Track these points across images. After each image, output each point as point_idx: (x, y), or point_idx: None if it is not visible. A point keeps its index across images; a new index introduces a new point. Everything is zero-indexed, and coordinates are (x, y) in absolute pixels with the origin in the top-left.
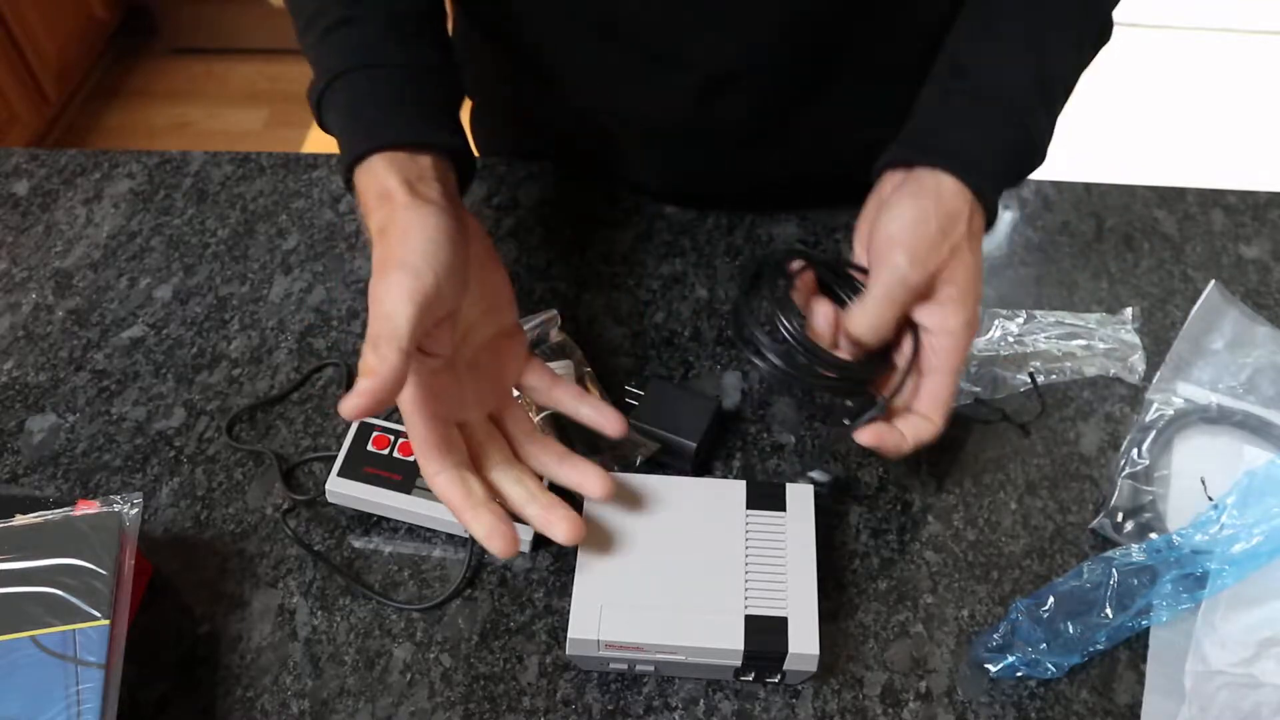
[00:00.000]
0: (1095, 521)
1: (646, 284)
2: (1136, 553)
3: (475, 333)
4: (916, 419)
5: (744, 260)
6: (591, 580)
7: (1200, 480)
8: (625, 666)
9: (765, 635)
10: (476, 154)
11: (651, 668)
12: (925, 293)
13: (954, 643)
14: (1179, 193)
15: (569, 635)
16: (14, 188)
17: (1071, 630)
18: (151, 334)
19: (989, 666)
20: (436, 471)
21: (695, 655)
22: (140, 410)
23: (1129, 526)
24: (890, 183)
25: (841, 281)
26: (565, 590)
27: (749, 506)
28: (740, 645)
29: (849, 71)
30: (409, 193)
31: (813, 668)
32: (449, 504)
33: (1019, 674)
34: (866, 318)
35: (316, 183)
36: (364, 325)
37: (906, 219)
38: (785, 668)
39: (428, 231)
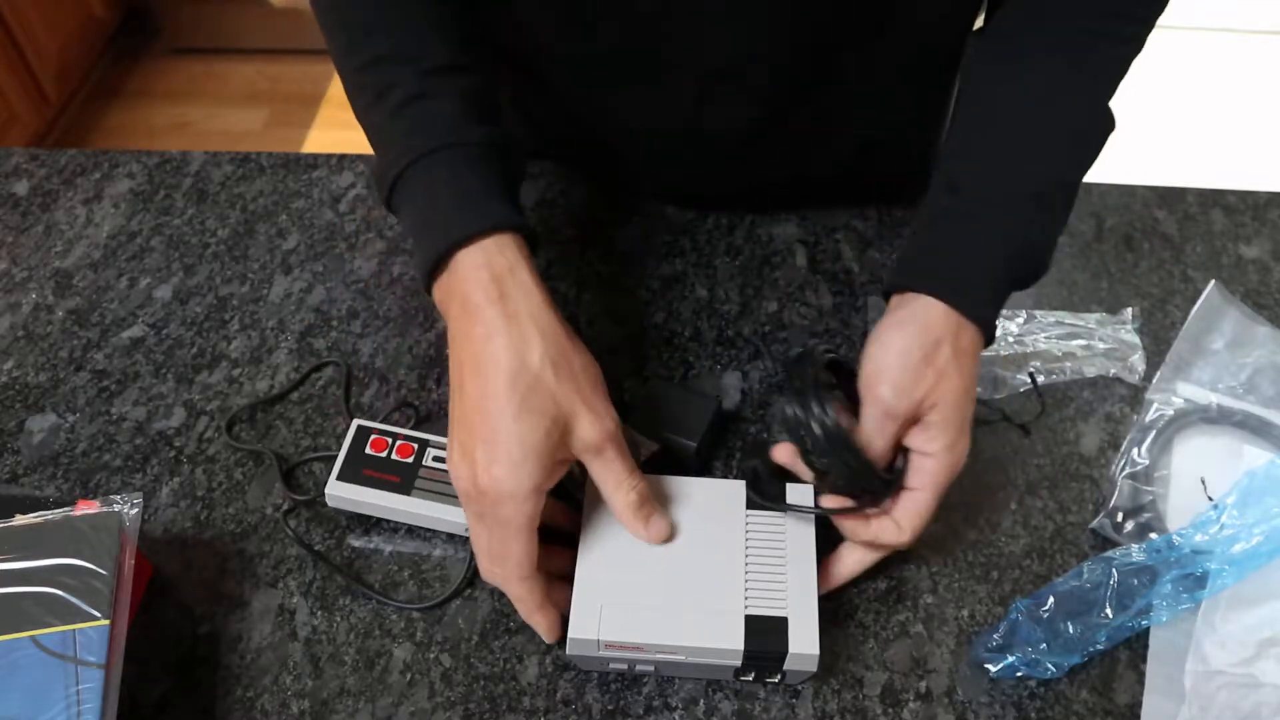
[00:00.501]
0: (1095, 521)
1: (646, 284)
2: (1136, 553)
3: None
4: (887, 521)
5: (786, 355)
6: (591, 580)
7: (1200, 480)
8: (625, 666)
9: (765, 635)
10: None
11: (651, 668)
12: (914, 417)
13: (954, 643)
14: (1179, 193)
15: (569, 635)
16: (14, 188)
17: (1071, 630)
18: (151, 334)
19: (989, 666)
20: (527, 576)
21: (695, 655)
22: (140, 410)
23: (1129, 526)
24: (891, 307)
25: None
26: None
27: (749, 507)
28: (740, 645)
29: (848, 71)
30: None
31: (813, 668)
32: (526, 603)
33: (1019, 674)
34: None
35: (316, 183)
36: (364, 325)
37: (891, 351)
38: (785, 668)
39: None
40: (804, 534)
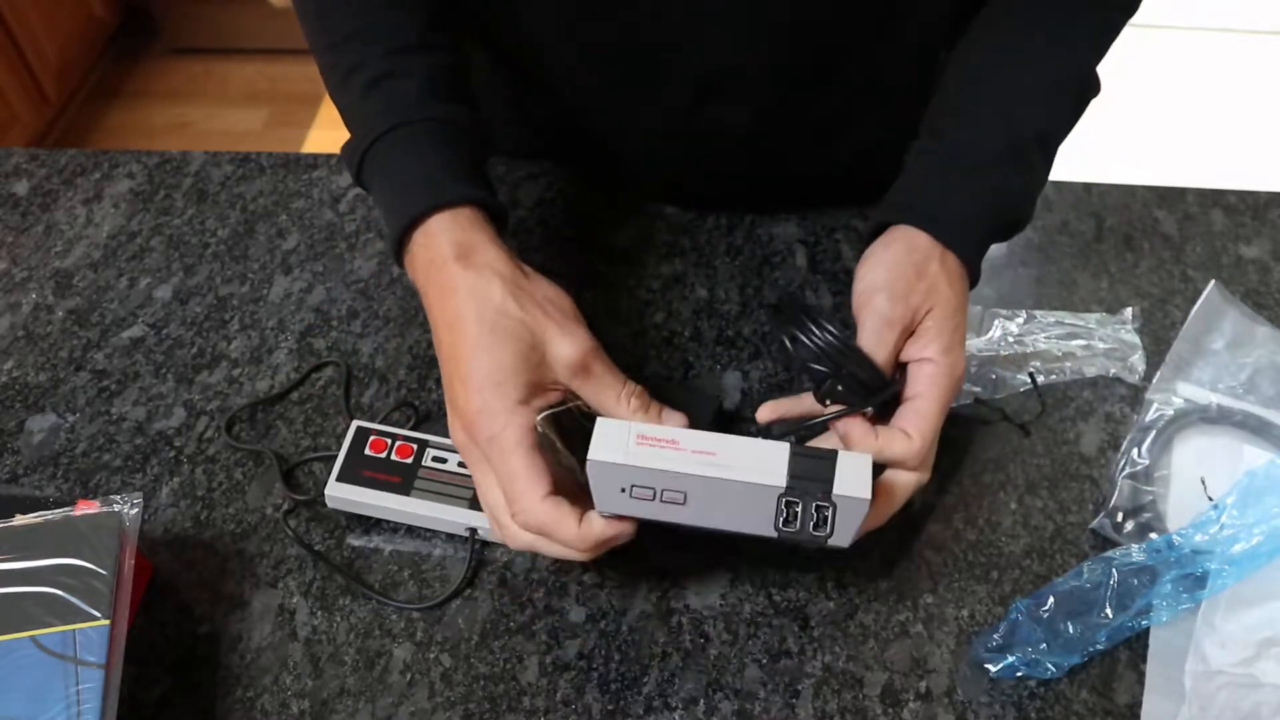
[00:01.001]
0: (1095, 521)
1: (646, 284)
2: (1136, 553)
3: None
4: (895, 431)
5: (778, 294)
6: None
7: (1200, 480)
8: (649, 496)
9: (812, 463)
10: None
11: (680, 498)
12: (910, 328)
13: (954, 643)
14: (1179, 193)
15: (590, 456)
16: (14, 188)
17: (1071, 630)
18: (151, 334)
19: (989, 666)
20: (546, 493)
21: (732, 493)
22: (140, 410)
23: (1129, 526)
24: (876, 241)
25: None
26: (565, 590)
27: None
28: (784, 471)
29: (847, 72)
30: (479, 273)
31: (864, 512)
32: (563, 524)
33: (1019, 674)
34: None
35: (316, 183)
36: (364, 325)
37: (881, 265)
38: (834, 497)
39: (509, 346)
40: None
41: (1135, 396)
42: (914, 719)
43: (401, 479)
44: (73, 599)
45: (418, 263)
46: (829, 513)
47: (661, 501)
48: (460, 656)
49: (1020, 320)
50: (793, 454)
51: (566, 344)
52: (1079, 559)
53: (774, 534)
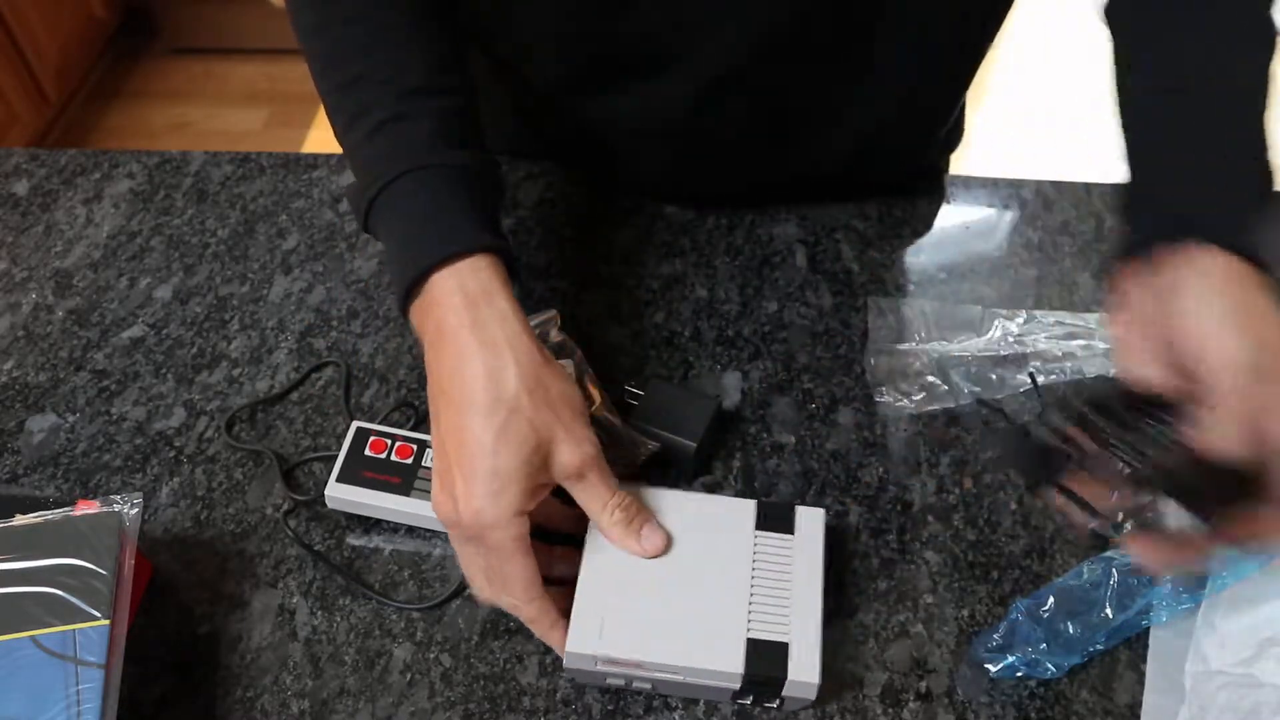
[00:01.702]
0: (1095, 522)
1: (646, 284)
2: None
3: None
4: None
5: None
6: (593, 593)
7: None
8: (622, 683)
9: (765, 660)
10: None
11: (648, 685)
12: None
13: (954, 643)
14: None
15: (567, 648)
16: (14, 188)
17: (1071, 630)
18: (151, 334)
19: (989, 666)
20: (535, 596)
21: (693, 676)
22: (140, 410)
23: (1129, 526)
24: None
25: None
26: None
27: (758, 527)
28: (740, 669)
29: (846, 73)
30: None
31: (811, 696)
32: (540, 623)
33: (1019, 674)
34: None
35: (316, 183)
36: (364, 325)
37: (1229, 317)
38: (784, 693)
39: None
40: (812, 558)
41: None
42: (914, 719)
43: (401, 479)
44: (73, 599)
45: (428, 316)
46: (777, 702)
47: (628, 684)
48: (460, 656)
49: (1020, 320)
50: (747, 657)
51: (571, 452)
52: (1079, 559)
53: (731, 702)
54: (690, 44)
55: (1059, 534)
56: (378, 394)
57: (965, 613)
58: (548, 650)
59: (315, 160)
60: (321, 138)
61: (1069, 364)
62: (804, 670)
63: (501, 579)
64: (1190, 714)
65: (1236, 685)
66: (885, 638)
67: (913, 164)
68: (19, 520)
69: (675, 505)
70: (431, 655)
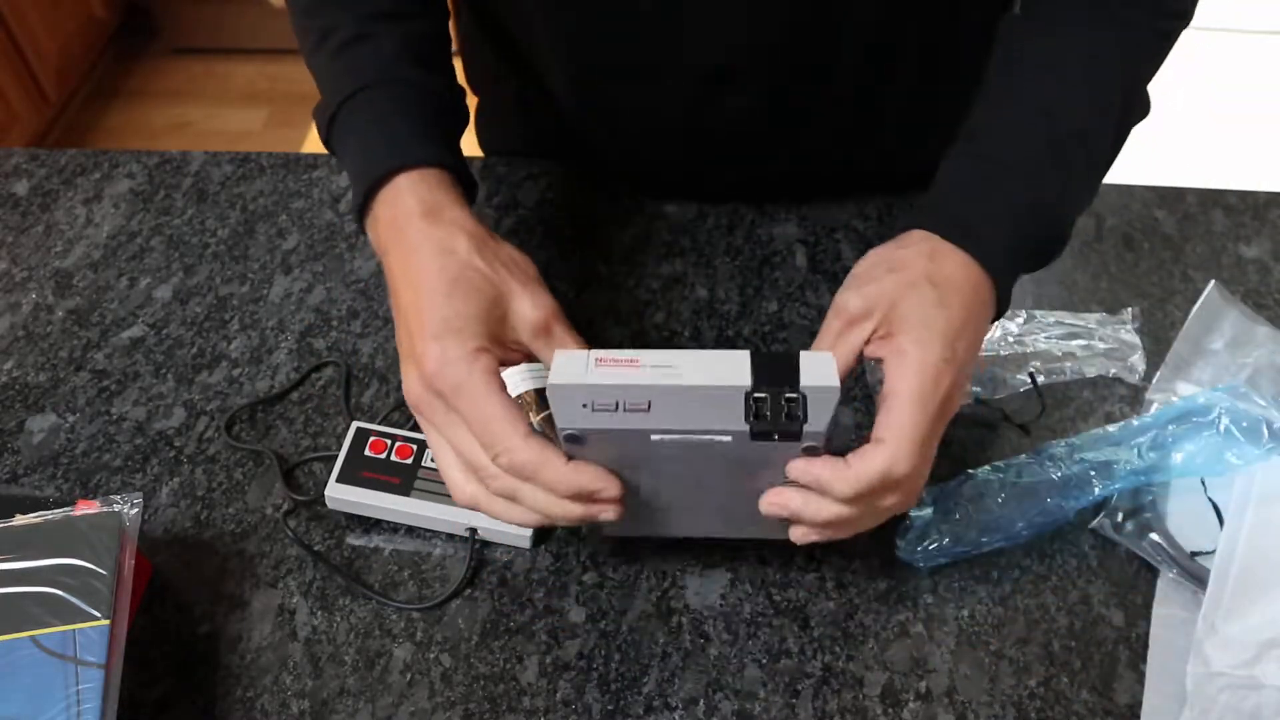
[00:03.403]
0: (1095, 521)
1: (646, 284)
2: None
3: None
4: (865, 447)
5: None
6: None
7: (1200, 480)
8: (611, 407)
9: (775, 362)
10: (478, 153)
11: (644, 405)
12: (868, 322)
13: (954, 643)
14: (1179, 193)
15: (553, 371)
16: (14, 188)
17: (993, 512)
18: (151, 334)
19: (920, 563)
20: (526, 433)
21: (700, 386)
22: (140, 410)
23: (1129, 526)
24: None
25: None
26: (565, 590)
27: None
28: (748, 366)
29: (849, 67)
30: (444, 230)
31: (835, 395)
32: (550, 465)
33: (943, 559)
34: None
35: (316, 183)
36: (364, 325)
37: (861, 265)
38: (801, 385)
39: (474, 296)
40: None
41: (1135, 396)
42: (914, 719)
43: (401, 480)
44: (73, 599)
45: (380, 222)
46: (799, 404)
47: (625, 411)
48: (460, 656)
49: (1020, 320)
50: (754, 358)
51: (529, 304)
52: (1079, 559)
53: (745, 428)
54: (694, 36)
55: (1059, 534)
56: (378, 394)
57: (965, 613)
58: (548, 650)
59: (315, 160)
60: None
61: (1069, 364)
62: (820, 366)
63: (483, 428)
64: (1192, 716)
65: (1238, 687)
66: (885, 638)
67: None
68: (19, 520)
69: (659, 357)
70: (431, 655)
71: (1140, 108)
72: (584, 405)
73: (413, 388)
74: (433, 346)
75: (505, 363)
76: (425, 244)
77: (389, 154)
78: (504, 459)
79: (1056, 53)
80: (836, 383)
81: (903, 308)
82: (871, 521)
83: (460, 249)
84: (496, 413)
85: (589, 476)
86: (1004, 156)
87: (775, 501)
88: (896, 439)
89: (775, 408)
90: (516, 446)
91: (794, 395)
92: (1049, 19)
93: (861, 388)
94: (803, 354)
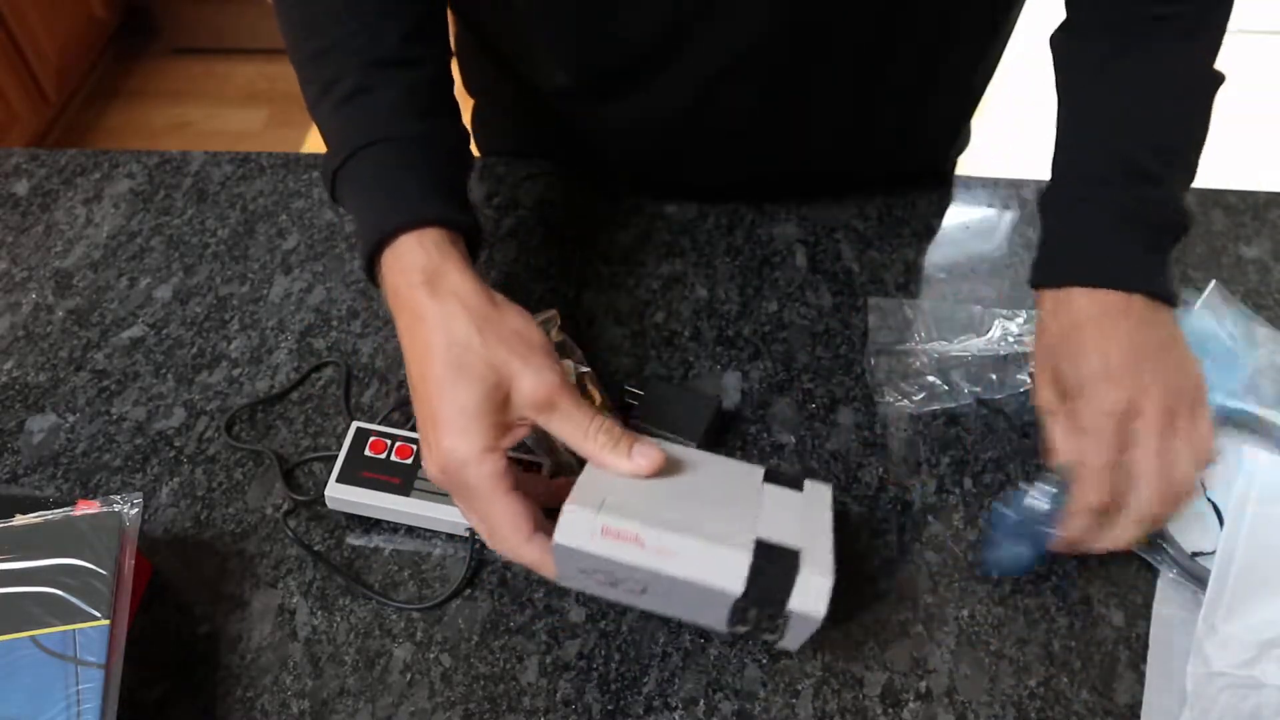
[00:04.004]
0: None
1: (646, 284)
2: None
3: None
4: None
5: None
6: (593, 481)
7: (1199, 480)
8: (605, 580)
9: (773, 567)
10: (477, 154)
11: (639, 589)
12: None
13: (954, 643)
14: None
15: (562, 522)
16: (14, 188)
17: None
18: (151, 334)
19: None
20: (528, 537)
21: (698, 564)
22: (140, 410)
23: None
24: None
25: None
26: (565, 590)
27: (766, 480)
28: (744, 571)
29: (847, 68)
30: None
31: (817, 624)
32: (545, 567)
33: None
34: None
35: (316, 183)
36: (364, 325)
37: (1064, 364)
38: (790, 608)
39: (474, 386)
40: (821, 500)
41: None
42: (914, 719)
43: (401, 480)
44: (73, 599)
45: (387, 284)
46: (781, 622)
47: (619, 589)
48: (460, 656)
49: (1020, 320)
50: (754, 558)
51: (530, 381)
52: (1079, 559)
53: (725, 631)
54: (689, 41)
55: None
56: (378, 394)
57: (965, 613)
58: (548, 650)
59: (315, 160)
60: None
61: None
62: (810, 597)
63: (491, 523)
64: (1192, 716)
65: (1238, 687)
66: (885, 638)
67: (915, 161)
68: (19, 520)
69: (683, 453)
70: (431, 655)
71: (1216, 81)
72: (582, 572)
73: (430, 468)
74: (444, 442)
75: (514, 443)
76: (427, 318)
77: (391, 213)
78: (504, 556)
79: (1126, 68)
80: (823, 611)
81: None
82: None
83: (460, 330)
84: (502, 519)
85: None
86: (1094, 188)
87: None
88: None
89: (757, 624)
90: (515, 550)
91: (779, 616)
92: (1100, 31)
93: (862, 387)
94: (803, 560)
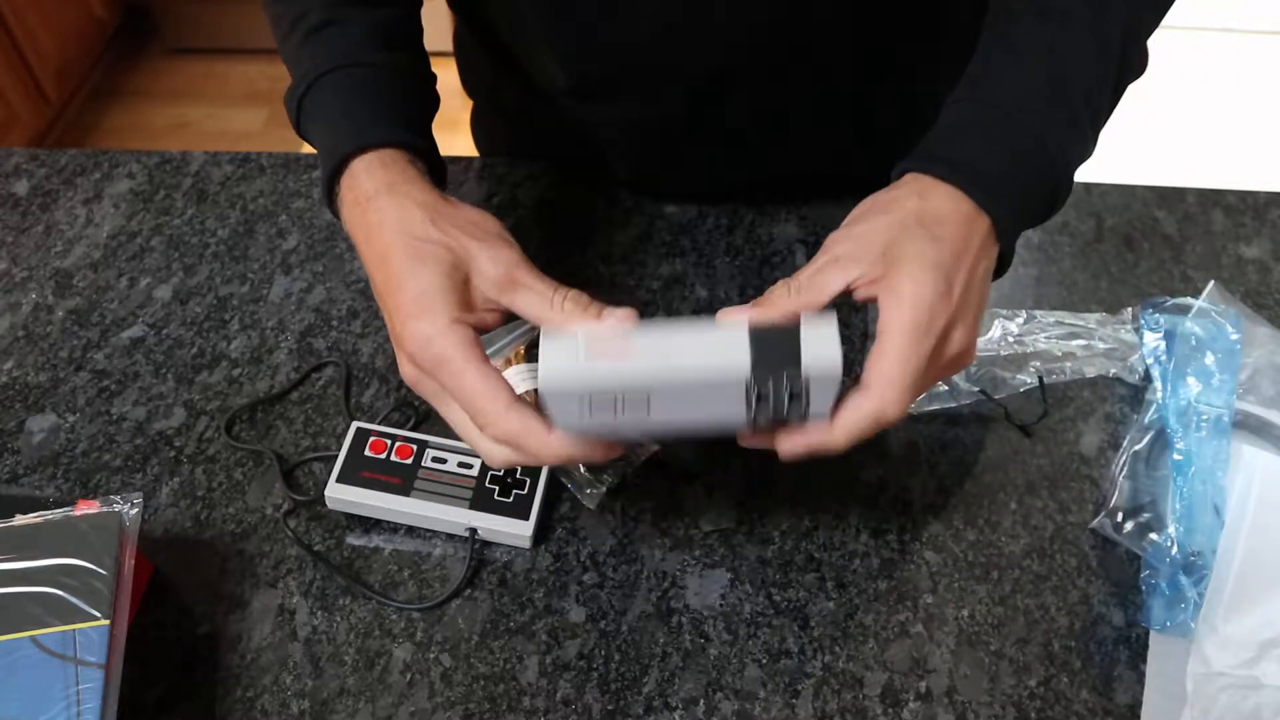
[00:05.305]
0: (1095, 521)
1: (646, 284)
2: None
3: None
4: (850, 400)
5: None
6: (563, 331)
7: (1200, 480)
8: (605, 410)
9: (776, 339)
10: (477, 154)
11: (644, 405)
12: (876, 274)
13: (954, 643)
14: (1179, 193)
15: (541, 368)
16: (14, 188)
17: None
18: (151, 334)
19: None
20: (508, 404)
21: (699, 377)
22: (140, 410)
23: (1129, 526)
24: None
25: None
26: (565, 590)
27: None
28: (746, 342)
29: (846, 68)
30: (401, 205)
31: (837, 373)
32: (534, 434)
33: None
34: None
35: (316, 183)
36: (364, 325)
37: (854, 211)
38: (805, 367)
39: (436, 268)
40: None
41: (1135, 396)
42: (914, 719)
43: (401, 480)
44: (73, 599)
45: (345, 205)
46: (802, 391)
47: (624, 413)
48: (460, 656)
49: (1020, 320)
50: (752, 336)
51: (488, 259)
52: (1079, 559)
53: (746, 424)
54: (690, 42)
55: (1059, 534)
56: (378, 394)
57: (965, 613)
58: (548, 650)
59: (315, 160)
60: None
61: (1069, 364)
62: (822, 341)
63: (465, 401)
64: (1192, 716)
65: (1238, 687)
66: (885, 638)
67: None
68: (19, 520)
69: (653, 342)
70: (431, 655)
71: (1140, 62)
72: (580, 408)
73: (405, 369)
74: (409, 325)
75: (483, 327)
76: (383, 221)
77: (351, 135)
78: (489, 431)
79: (1051, 17)
80: (839, 363)
81: (894, 247)
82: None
83: (415, 220)
84: (477, 386)
85: (572, 448)
86: (1001, 98)
87: (789, 454)
88: (883, 385)
89: (777, 399)
90: (496, 420)
91: (798, 385)
92: None
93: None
94: (804, 325)
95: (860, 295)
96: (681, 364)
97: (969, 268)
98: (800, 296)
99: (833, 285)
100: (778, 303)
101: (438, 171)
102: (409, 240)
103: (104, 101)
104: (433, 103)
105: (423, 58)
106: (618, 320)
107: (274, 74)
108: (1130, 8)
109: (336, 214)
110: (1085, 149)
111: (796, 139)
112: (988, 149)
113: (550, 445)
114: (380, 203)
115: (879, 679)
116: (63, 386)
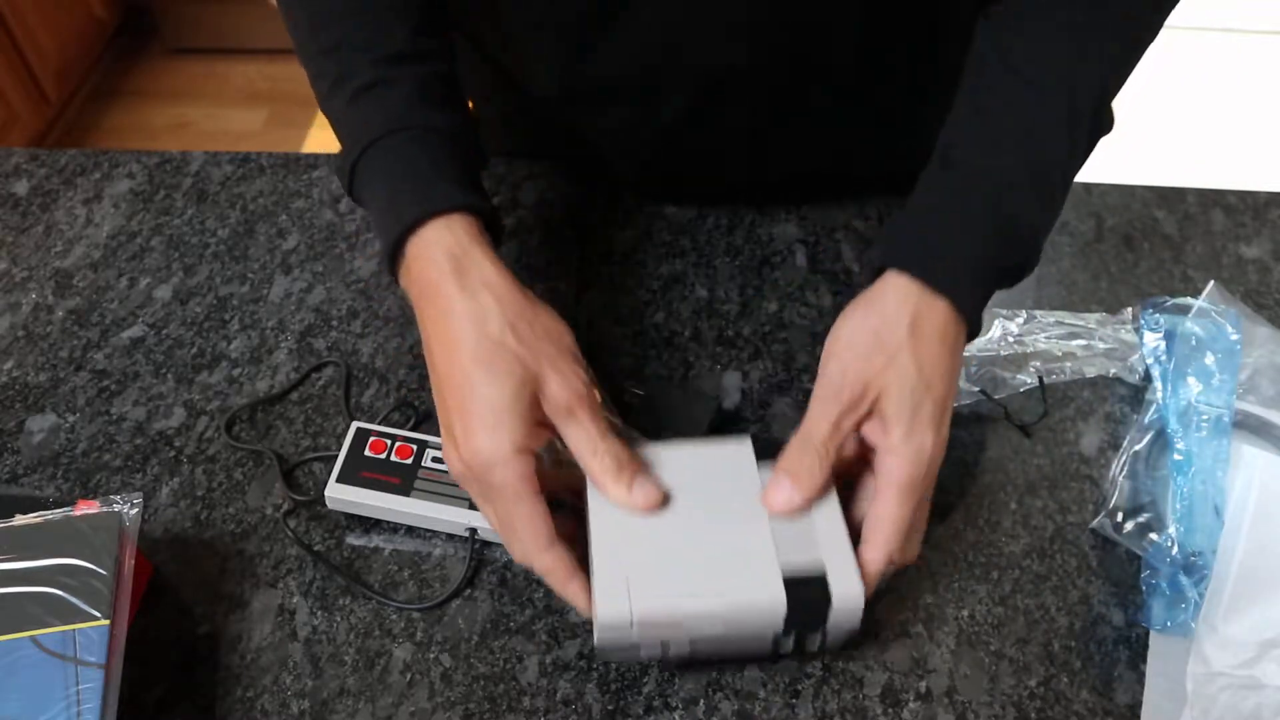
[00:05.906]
0: (1095, 521)
1: (646, 284)
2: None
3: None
4: (862, 550)
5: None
6: (610, 556)
7: (1200, 480)
8: (658, 651)
9: (806, 589)
10: None
11: (687, 649)
12: (865, 407)
13: (954, 643)
14: (1179, 193)
15: (597, 621)
16: (14, 188)
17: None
18: (151, 334)
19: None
20: (546, 546)
21: (735, 617)
22: (140, 410)
23: (1129, 526)
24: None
25: None
26: None
27: (759, 458)
28: (781, 597)
29: (845, 69)
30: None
31: (858, 620)
32: (557, 575)
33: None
34: (803, 428)
35: (316, 183)
36: (364, 325)
37: (845, 327)
38: (829, 624)
39: (505, 385)
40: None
41: (1135, 396)
42: (914, 719)
43: (401, 480)
44: (73, 599)
45: (411, 275)
46: (820, 637)
47: (665, 649)
48: (460, 656)
49: (1020, 320)
50: (788, 588)
51: (560, 386)
52: (1079, 559)
53: (769, 648)
54: (688, 45)
55: (1059, 534)
56: (378, 394)
57: (965, 613)
58: (548, 650)
59: (315, 160)
60: (322, 137)
61: (1069, 364)
62: (847, 591)
63: (511, 527)
64: (1192, 716)
65: (1238, 687)
66: (885, 638)
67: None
68: (19, 520)
69: (670, 457)
70: (431, 655)
71: (1107, 122)
72: (627, 648)
73: (452, 463)
74: (471, 439)
75: (540, 444)
76: (458, 311)
77: (415, 201)
78: (521, 560)
79: (1029, 74)
80: (860, 610)
81: (889, 396)
82: None
83: (493, 325)
84: (525, 525)
85: (588, 605)
86: (981, 189)
87: None
88: (886, 538)
89: (801, 640)
90: (535, 556)
91: (823, 629)
92: (1017, 27)
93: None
94: (832, 588)
95: (862, 431)
96: (723, 625)
97: (951, 387)
98: (820, 467)
99: (847, 448)
100: (803, 477)
101: (497, 230)
102: (483, 340)
103: (104, 101)
104: (483, 159)
105: (466, 109)
106: (641, 502)
107: (274, 74)
108: (1103, 72)
109: (396, 278)
110: (1055, 219)
111: (795, 141)
112: (956, 238)
113: (571, 594)
114: (454, 288)
115: (879, 679)
116: (63, 386)
